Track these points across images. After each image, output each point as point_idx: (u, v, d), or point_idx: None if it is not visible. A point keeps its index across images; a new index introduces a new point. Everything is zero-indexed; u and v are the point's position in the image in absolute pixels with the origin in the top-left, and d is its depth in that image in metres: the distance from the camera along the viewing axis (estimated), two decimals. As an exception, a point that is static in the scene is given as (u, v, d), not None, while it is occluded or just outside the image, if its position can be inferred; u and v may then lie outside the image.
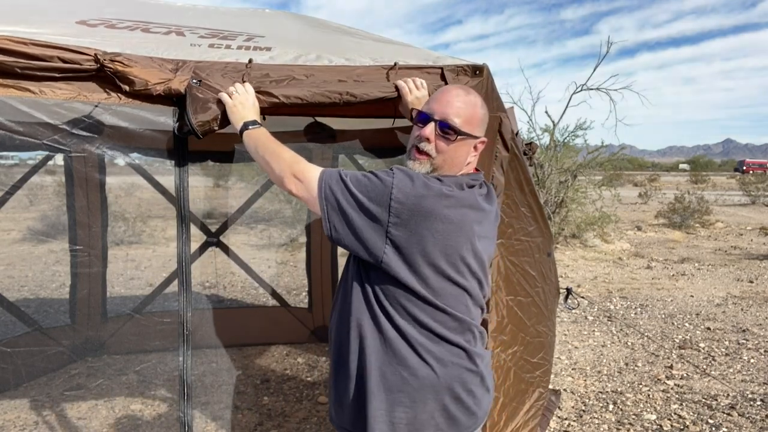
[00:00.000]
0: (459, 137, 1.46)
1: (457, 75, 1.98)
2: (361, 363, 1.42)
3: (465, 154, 1.50)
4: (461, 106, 1.47)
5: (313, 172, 1.41)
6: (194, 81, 1.72)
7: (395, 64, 1.91)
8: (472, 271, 1.43)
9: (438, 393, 1.40)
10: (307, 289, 4.92)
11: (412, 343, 1.39)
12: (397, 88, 1.84)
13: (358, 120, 2.86)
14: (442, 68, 1.96)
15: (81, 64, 1.66)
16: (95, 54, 1.65)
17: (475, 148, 1.53)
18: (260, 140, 1.58)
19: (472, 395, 1.46)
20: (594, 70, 11.45)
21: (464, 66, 1.99)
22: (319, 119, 3.88)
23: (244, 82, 1.74)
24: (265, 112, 1.82)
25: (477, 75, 1.99)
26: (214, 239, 4.45)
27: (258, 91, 1.76)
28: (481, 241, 1.45)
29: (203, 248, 4.42)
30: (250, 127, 1.62)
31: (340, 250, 4.79)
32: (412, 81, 1.85)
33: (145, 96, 1.72)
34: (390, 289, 1.39)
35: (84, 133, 2.26)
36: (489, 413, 1.62)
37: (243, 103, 1.67)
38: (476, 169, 1.60)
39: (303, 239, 5.00)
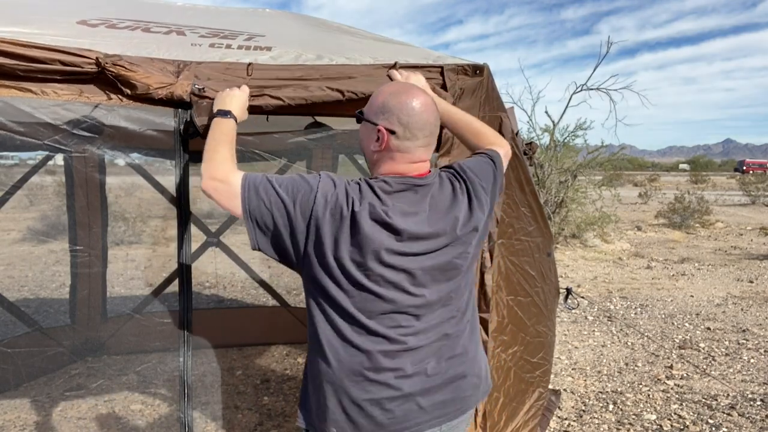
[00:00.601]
0: (362, 123, 1.48)
1: (458, 74, 1.98)
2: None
3: (366, 142, 1.48)
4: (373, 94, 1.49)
5: (237, 173, 1.41)
6: (196, 87, 1.73)
7: (395, 64, 1.91)
8: (387, 280, 1.38)
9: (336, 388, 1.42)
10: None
11: (325, 339, 1.43)
12: (390, 79, 1.83)
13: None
14: (442, 67, 1.96)
15: (82, 67, 1.66)
16: (97, 57, 1.65)
17: (378, 140, 1.43)
18: (216, 131, 1.57)
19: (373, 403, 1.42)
20: (594, 70, 11.47)
21: (464, 65, 1.99)
22: (319, 119, 3.88)
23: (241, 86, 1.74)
24: (269, 112, 1.82)
25: (477, 74, 1.99)
26: (214, 239, 4.45)
27: (262, 94, 1.76)
28: (393, 255, 1.38)
29: (203, 248, 4.42)
30: (220, 116, 1.63)
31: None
32: (406, 71, 1.84)
33: (147, 99, 1.72)
34: (309, 288, 1.43)
35: (84, 133, 2.26)
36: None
37: (231, 96, 1.68)
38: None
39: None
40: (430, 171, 1.49)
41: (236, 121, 1.64)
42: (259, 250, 1.40)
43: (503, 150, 1.72)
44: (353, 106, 1.83)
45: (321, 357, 1.43)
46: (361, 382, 1.40)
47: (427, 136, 1.44)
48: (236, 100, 1.68)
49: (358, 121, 1.50)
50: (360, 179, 1.42)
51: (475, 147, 1.74)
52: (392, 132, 1.41)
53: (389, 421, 1.41)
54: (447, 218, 1.44)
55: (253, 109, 1.78)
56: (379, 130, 1.42)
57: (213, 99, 1.71)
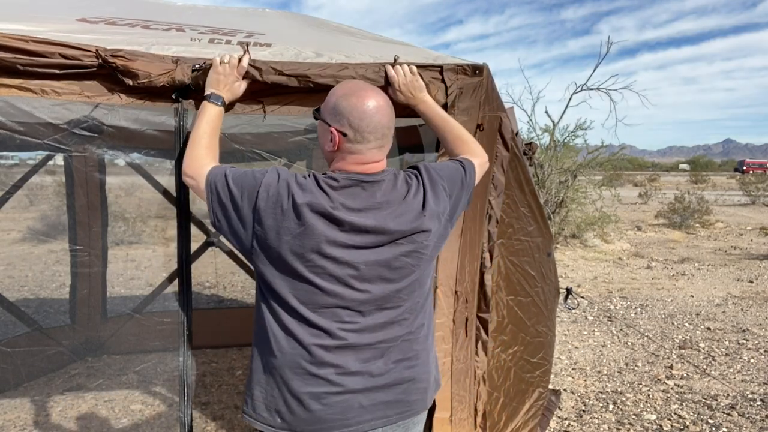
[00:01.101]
0: (318, 121, 1.50)
1: (457, 74, 1.98)
2: None
3: (322, 140, 1.50)
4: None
5: (205, 168, 1.48)
6: (197, 65, 1.73)
7: (396, 59, 1.91)
8: (328, 272, 1.39)
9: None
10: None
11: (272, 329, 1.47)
12: (386, 74, 1.85)
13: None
14: (441, 67, 1.96)
15: (82, 60, 1.65)
16: (96, 50, 1.65)
17: (331, 140, 1.43)
18: (202, 117, 1.63)
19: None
20: (594, 70, 11.48)
21: (464, 65, 1.98)
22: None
23: (244, 54, 1.73)
24: (263, 96, 1.82)
25: (477, 74, 1.99)
26: (214, 239, 4.44)
27: (259, 80, 1.77)
28: (334, 247, 1.38)
29: (203, 248, 4.41)
30: (211, 99, 1.66)
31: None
32: (401, 67, 1.84)
33: (148, 90, 1.72)
34: (258, 278, 1.48)
35: (84, 133, 2.26)
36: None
37: (224, 75, 1.69)
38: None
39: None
40: (383, 169, 1.47)
41: (225, 104, 1.69)
42: (219, 231, 1.47)
43: (478, 160, 1.73)
44: None
45: (265, 347, 1.46)
46: (302, 375, 1.41)
47: (378, 138, 1.43)
48: (226, 81, 1.70)
49: (315, 118, 1.51)
50: (308, 174, 1.43)
51: (454, 153, 1.76)
52: (344, 134, 1.41)
53: (328, 416, 1.41)
54: (395, 215, 1.42)
55: (253, 95, 1.80)
56: (331, 131, 1.42)
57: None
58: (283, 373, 1.42)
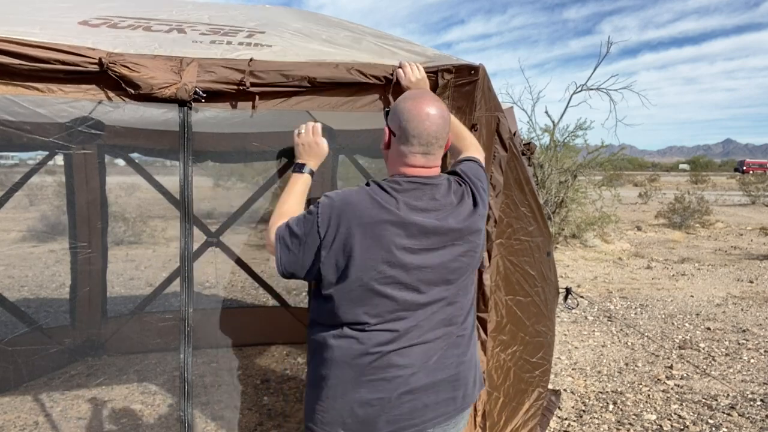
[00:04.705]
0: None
1: (452, 74, 1.99)
2: None
3: (383, 139, 1.56)
4: None
5: (273, 235, 1.51)
6: (199, 91, 1.74)
7: (400, 65, 1.94)
8: (396, 279, 1.42)
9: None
10: (307, 289, 4.92)
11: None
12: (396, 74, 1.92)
13: (358, 119, 2.87)
14: (437, 67, 1.97)
15: (86, 67, 1.66)
16: (100, 58, 1.66)
17: (385, 138, 1.53)
18: (291, 190, 1.67)
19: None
20: (594, 70, 11.47)
21: (459, 65, 1.99)
22: (319, 119, 3.87)
23: (315, 122, 1.78)
24: (263, 96, 1.84)
25: (472, 75, 1.99)
26: (214, 239, 4.44)
27: (265, 83, 1.79)
28: (403, 252, 1.42)
29: (203, 248, 4.42)
30: (297, 170, 1.72)
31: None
32: (409, 65, 1.91)
33: (151, 99, 1.73)
34: (317, 291, 1.51)
35: (86, 131, 2.27)
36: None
37: (307, 145, 1.73)
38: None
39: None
40: (438, 174, 1.55)
41: (312, 174, 1.74)
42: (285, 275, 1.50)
43: (480, 156, 1.80)
44: (358, 88, 1.90)
45: (329, 360, 1.45)
46: (370, 381, 1.43)
47: (423, 144, 1.48)
48: (309, 150, 1.74)
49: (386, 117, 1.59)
50: (370, 182, 1.48)
51: (453, 149, 1.82)
52: (393, 134, 1.51)
53: (396, 418, 1.44)
54: (453, 215, 1.49)
55: (262, 95, 1.84)
56: (385, 129, 1.53)
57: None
58: (349, 383, 1.44)
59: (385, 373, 1.43)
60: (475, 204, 1.54)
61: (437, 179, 1.51)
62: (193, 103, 1.77)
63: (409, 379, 1.45)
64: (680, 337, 5.31)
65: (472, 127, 2.03)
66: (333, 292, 1.43)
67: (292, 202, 1.62)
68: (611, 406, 3.75)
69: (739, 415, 3.61)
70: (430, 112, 1.48)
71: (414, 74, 1.91)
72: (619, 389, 4.05)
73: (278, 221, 1.53)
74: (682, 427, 3.44)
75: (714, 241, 12.04)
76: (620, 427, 3.45)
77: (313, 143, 1.73)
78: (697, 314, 6.10)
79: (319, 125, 1.77)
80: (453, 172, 1.62)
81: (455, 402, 1.54)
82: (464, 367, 1.56)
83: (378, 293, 1.41)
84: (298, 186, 1.68)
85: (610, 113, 17.08)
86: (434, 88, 1.98)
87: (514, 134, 2.43)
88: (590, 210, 11.54)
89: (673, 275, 8.30)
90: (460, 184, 1.57)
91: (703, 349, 4.96)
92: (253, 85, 1.79)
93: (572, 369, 4.47)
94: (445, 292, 1.49)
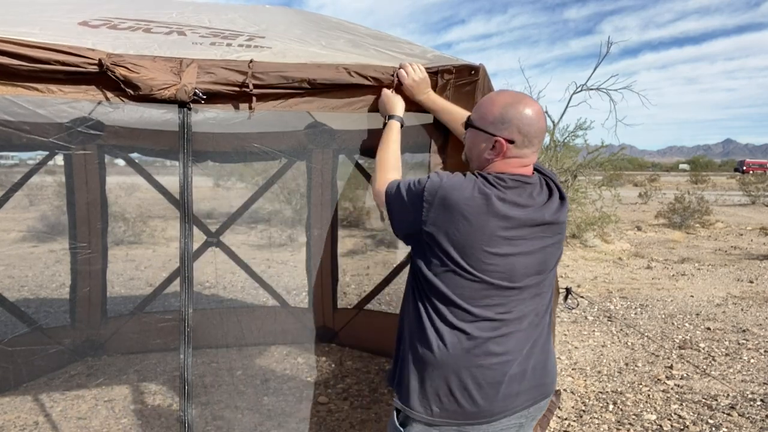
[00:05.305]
0: (470, 129, 1.61)
1: (452, 74, 1.99)
2: None
3: (479, 149, 1.60)
4: (480, 103, 1.62)
5: (384, 187, 1.62)
6: (199, 93, 1.74)
7: (401, 65, 1.94)
8: (495, 267, 1.48)
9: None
10: (307, 289, 4.92)
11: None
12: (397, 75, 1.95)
13: (358, 120, 2.86)
14: (437, 68, 1.97)
15: (85, 68, 1.66)
16: (99, 59, 1.66)
17: (494, 148, 1.55)
18: (388, 134, 1.84)
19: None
20: (594, 70, 11.48)
21: (459, 66, 1.99)
22: (319, 119, 3.88)
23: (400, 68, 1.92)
24: (263, 97, 1.85)
25: (472, 75, 2.00)
26: (214, 239, 4.45)
27: (265, 84, 1.79)
28: (502, 242, 1.47)
29: (203, 248, 4.42)
30: (393, 119, 1.88)
31: (339, 250, 4.80)
32: (410, 66, 1.95)
33: (150, 100, 1.73)
34: (416, 274, 1.56)
35: (86, 132, 2.27)
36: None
37: (397, 100, 1.91)
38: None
39: (303, 239, 5.00)
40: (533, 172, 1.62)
41: (402, 122, 1.87)
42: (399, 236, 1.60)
43: None
44: (358, 89, 1.92)
45: (425, 341, 1.52)
46: (469, 367, 1.49)
47: (540, 141, 1.58)
48: (400, 104, 1.91)
49: (466, 127, 1.64)
50: (476, 173, 1.54)
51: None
52: (511, 141, 1.53)
53: (489, 403, 1.50)
54: (548, 209, 1.56)
55: (263, 96, 1.85)
56: (497, 141, 1.53)
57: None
58: (448, 366, 1.49)
59: (483, 360, 1.49)
60: (561, 197, 1.62)
61: (533, 178, 1.59)
62: (192, 105, 1.77)
63: (504, 366, 1.51)
64: (680, 337, 5.31)
65: None
66: (431, 276, 1.49)
67: (395, 147, 1.78)
68: (611, 406, 3.75)
69: (739, 415, 3.61)
70: (538, 109, 1.55)
71: (416, 74, 1.93)
72: (619, 389, 4.05)
73: (385, 167, 1.70)
74: (682, 427, 3.45)
75: (714, 241, 12.04)
76: (620, 427, 3.45)
77: (421, 81, 1.91)
78: (697, 314, 6.10)
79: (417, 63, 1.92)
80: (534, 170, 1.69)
81: (543, 388, 1.64)
82: (550, 355, 1.67)
83: (477, 280, 1.47)
84: (394, 134, 1.83)
85: (610, 113, 17.13)
86: (434, 88, 1.98)
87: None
88: (590, 210, 11.54)
89: (673, 275, 8.30)
90: (547, 182, 1.63)
91: (703, 349, 4.96)
92: (253, 86, 1.79)
93: (572, 369, 4.47)
94: (536, 282, 1.56)
